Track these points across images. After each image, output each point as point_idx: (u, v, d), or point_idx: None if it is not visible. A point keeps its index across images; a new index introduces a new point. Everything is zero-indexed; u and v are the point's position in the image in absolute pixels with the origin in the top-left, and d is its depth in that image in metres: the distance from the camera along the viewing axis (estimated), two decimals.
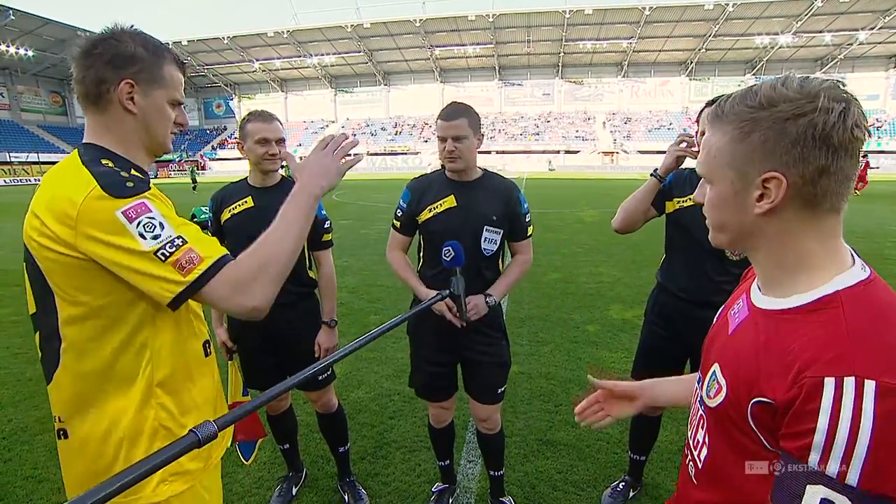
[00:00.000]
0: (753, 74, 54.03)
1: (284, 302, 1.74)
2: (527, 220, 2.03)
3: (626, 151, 49.28)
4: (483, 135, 1.98)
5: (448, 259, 1.65)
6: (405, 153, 54.97)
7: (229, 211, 2.11)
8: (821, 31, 46.63)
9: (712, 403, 0.79)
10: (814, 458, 0.62)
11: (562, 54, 54.62)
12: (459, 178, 1.97)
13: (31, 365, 3.93)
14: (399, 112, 62.15)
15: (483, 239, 1.93)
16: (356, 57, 57.16)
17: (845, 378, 0.61)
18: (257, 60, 57.32)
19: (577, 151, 49.78)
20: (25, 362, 4.01)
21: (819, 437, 0.61)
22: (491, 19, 48.78)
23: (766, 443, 0.70)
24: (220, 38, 53.29)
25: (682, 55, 53.94)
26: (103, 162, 1.01)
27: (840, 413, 0.60)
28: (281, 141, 2.08)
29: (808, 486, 0.63)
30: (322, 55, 56.57)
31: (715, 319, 0.93)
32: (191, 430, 0.69)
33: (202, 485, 1.14)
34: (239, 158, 57.01)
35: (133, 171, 1.02)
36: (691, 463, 0.87)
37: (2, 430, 3.02)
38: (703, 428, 0.84)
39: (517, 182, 2.09)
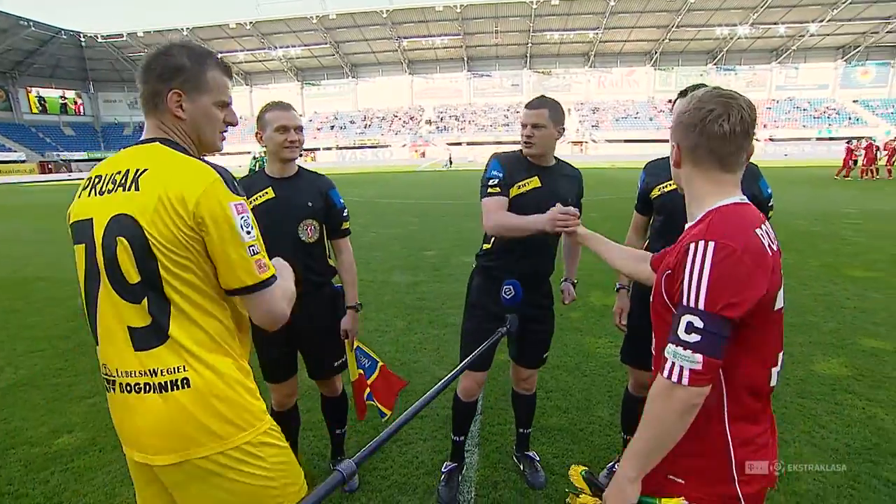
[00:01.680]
0: (714, 64, 55.68)
1: (307, 291, 1.92)
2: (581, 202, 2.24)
3: (594, 141, 50.20)
4: (565, 128, 2.15)
5: (508, 297, 1.74)
6: (375, 146, 54.36)
7: (251, 202, 2.07)
8: (775, 23, 48.38)
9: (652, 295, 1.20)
10: (683, 298, 1.02)
11: (530, 45, 54.94)
12: (539, 163, 2.13)
13: None
14: (368, 105, 61.30)
15: None
16: (322, 49, 55.96)
17: (699, 241, 1.03)
18: (219, 53, 54.33)
19: None
20: None
21: (685, 283, 1.02)
22: (459, 10, 48.58)
23: (668, 302, 1.12)
24: (179, 30, 51.17)
25: (646, 45, 55.03)
26: (203, 159, 1.21)
27: (694, 263, 1.02)
28: (299, 128, 2.11)
29: (681, 317, 1.02)
30: (287, 47, 55.16)
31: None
32: (335, 469, 0.93)
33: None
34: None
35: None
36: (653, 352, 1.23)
37: None
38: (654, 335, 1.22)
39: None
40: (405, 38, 53.95)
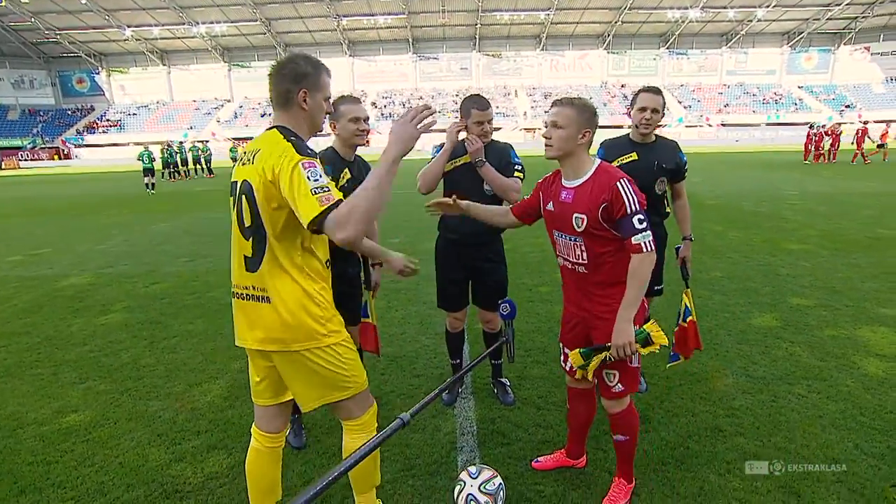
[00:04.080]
0: (667, 48, 59.06)
1: (355, 257, 2.78)
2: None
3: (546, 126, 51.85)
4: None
5: (504, 313, 2.32)
6: (316, 134, 53.33)
7: (341, 178, 2.70)
8: (724, 7, 51.96)
9: (581, 228, 2.08)
10: (628, 209, 2.00)
11: (479, 26, 55.91)
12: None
13: None
14: None
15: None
16: (252, 26, 54.36)
17: (620, 180, 2.03)
18: (128, 27, 51.93)
19: (499, 128, 51.54)
20: None
21: (626, 201, 2.00)
22: None
23: (607, 226, 2.04)
24: None
25: (599, 28, 57.49)
26: (292, 138, 1.77)
27: (626, 190, 2.01)
28: (367, 119, 2.74)
29: (632, 218, 2.00)
30: (211, 23, 52.91)
31: (552, 207, 2.21)
32: (398, 418, 1.49)
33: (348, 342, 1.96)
34: (115, 144, 52.86)
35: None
36: (580, 268, 2.15)
37: None
38: (579, 248, 2.13)
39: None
40: (345, 16, 53.50)
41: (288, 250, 1.78)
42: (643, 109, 2.97)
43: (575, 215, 2.08)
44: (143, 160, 19.23)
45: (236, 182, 1.85)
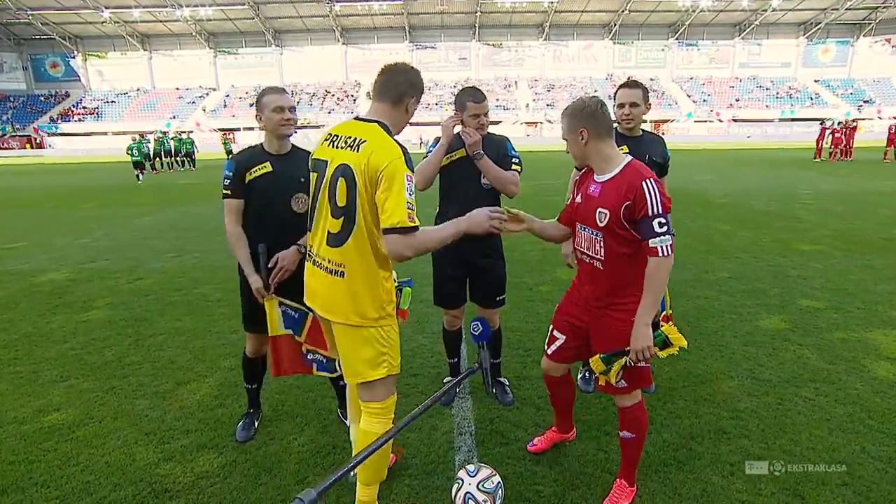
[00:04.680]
0: (676, 39, 59.29)
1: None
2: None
3: (550, 122, 52.00)
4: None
5: (476, 333, 2.37)
6: (305, 126, 53.53)
7: (251, 173, 2.73)
8: None
9: (603, 223, 2.19)
10: (650, 210, 2.07)
11: (479, 13, 56.02)
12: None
13: None
14: (295, 78, 60.31)
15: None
16: (239, 11, 54.22)
17: (645, 180, 2.10)
18: (106, 9, 51.40)
19: (499, 122, 51.46)
20: None
21: (649, 202, 2.07)
22: None
23: (628, 226, 2.14)
24: None
25: (605, 17, 57.69)
26: (398, 143, 2.04)
27: (650, 190, 2.08)
28: (293, 108, 2.76)
29: (653, 220, 2.08)
30: (195, 6, 52.59)
31: (579, 199, 2.34)
32: (297, 498, 1.50)
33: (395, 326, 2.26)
34: (92, 134, 52.64)
35: None
36: (597, 263, 2.26)
37: None
38: (598, 243, 2.23)
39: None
40: (338, 1, 53.48)
41: (373, 237, 2.07)
42: (621, 106, 3.10)
43: (599, 210, 2.21)
44: (132, 153, 20.32)
45: (326, 161, 2.11)
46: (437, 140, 3.09)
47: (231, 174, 2.74)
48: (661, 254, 2.07)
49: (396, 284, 2.44)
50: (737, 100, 55.93)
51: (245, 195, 2.74)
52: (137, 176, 20.32)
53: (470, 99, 2.97)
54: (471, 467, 2.33)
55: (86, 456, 2.88)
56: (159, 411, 3.33)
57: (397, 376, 2.29)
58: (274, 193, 2.73)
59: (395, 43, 59.84)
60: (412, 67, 2.19)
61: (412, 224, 1.93)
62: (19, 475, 2.73)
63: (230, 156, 2.89)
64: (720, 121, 53.29)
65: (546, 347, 2.59)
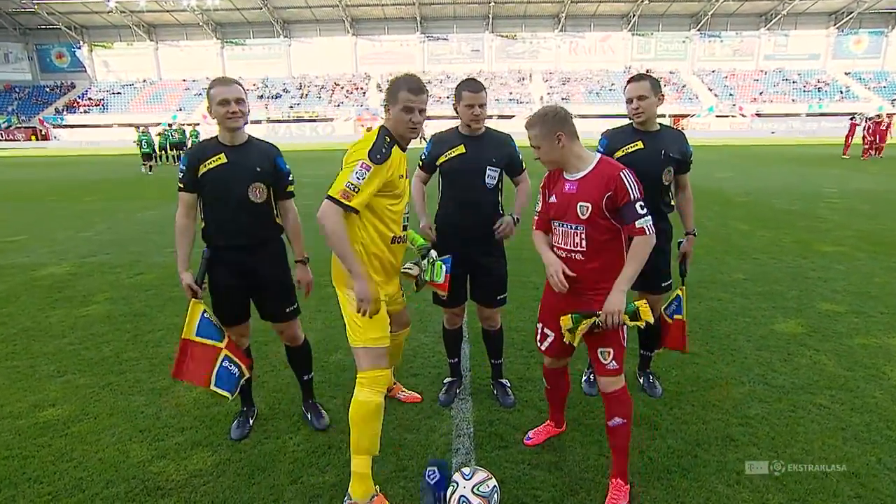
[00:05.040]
0: (698, 30, 58.64)
1: (253, 243, 2.92)
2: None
3: None
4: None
5: (431, 482, 2.40)
6: (314, 120, 53.84)
7: (205, 166, 2.81)
8: None
9: (585, 216, 2.41)
10: (631, 196, 2.36)
11: (492, 4, 55.82)
12: (470, 134, 3.13)
13: None
14: (304, 70, 60.63)
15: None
16: (247, 1, 54.71)
17: (622, 171, 2.41)
18: None
19: (512, 116, 51.45)
20: None
21: (629, 189, 2.37)
22: None
23: (608, 216, 2.40)
24: None
25: (623, 7, 57.19)
26: (386, 138, 2.51)
27: (629, 179, 2.38)
28: (239, 100, 2.77)
29: (634, 205, 2.37)
30: None
31: (554, 199, 2.52)
32: None
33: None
34: (97, 126, 53.30)
35: (392, 148, 2.51)
36: (577, 255, 2.46)
37: None
38: (578, 235, 2.44)
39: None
40: None
41: (361, 219, 2.52)
42: (630, 101, 3.10)
43: (580, 204, 2.41)
44: (141, 145, 20.95)
45: None
46: (435, 137, 3.18)
47: (184, 168, 2.84)
48: (647, 232, 2.37)
49: (432, 259, 2.83)
50: (761, 93, 55.24)
51: (198, 188, 2.84)
52: (149, 168, 20.75)
53: (465, 88, 3.01)
54: (466, 470, 2.34)
55: (80, 452, 2.94)
56: (155, 408, 3.39)
57: (379, 350, 2.53)
58: (229, 183, 2.81)
59: (406, 34, 59.88)
60: (395, 79, 2.57)
61: (341, 200, 2.32)
62: (12, 470, 2.79)
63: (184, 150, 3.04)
64: (743, 115, 52.67)
65: (539, 344, 2.78)
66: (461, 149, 3.07)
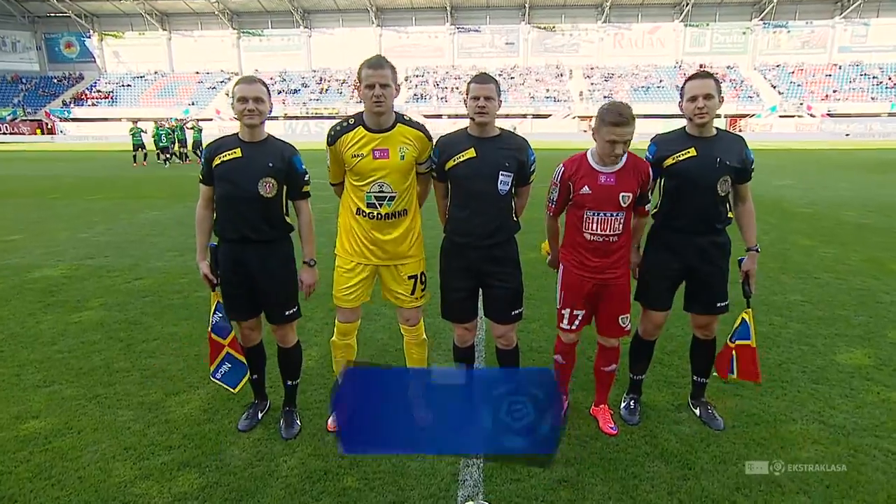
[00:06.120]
0: (761, 19, 57.48)
1: (261, 240, 3.16)
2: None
3: None
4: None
5: None
6: (334, 117, 54.46)
7: (220, 158, 3.11)
8: None
9: (626, 204, 3.06)
10: (649, 185, 3.18)
11: None
12: (478, 134, 3.16)
13: None
14: (324, 63, 61.73)
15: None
16: None
17: (650, 166, 3.17)
18: None
19: (548, 116, 51.49)
20: None
21: (651, 180, 3.18)
22: None
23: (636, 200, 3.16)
24: None
25: None
26: (349, 121, 3.17)
27: (653, 172, 3.18)
28: (258, 99, 3.04)
29: (649, 192, 3.20)
30: None
31: (589, 191, 3.05)
32: None
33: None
34: (105, 119, 54.96)
35: (351, 130, 3.09)
36: (613, 238, 3.10)
37: None
38: (617, 221, 3.08)
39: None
40: None
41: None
42: (693, 99, 3.05)
43: (622, 194, 3.02)
44: (160, 139, 23.53)
45: None
46: (441, 141, 3.20)
47: (204, 161, 3.21)
48: (649, 213, 3.29)
49: None
50: (834, 91, 53.89)
51: (213, 181, 3.16)
52: (165, 161, 23.46)
53: (472, 81, 3.06)
54: None
55: (59, 469, 3.01)
56: (142, 424, 3.44)
57: (354, 310, 3.33)
58: (240, 176, 3.08)
59: (434, 25, 60.48)
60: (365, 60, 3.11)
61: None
62: None
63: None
64: (811, 115, 51.50)
65: (567, 325, 3.28)
66: (471, 152, 3.04)
